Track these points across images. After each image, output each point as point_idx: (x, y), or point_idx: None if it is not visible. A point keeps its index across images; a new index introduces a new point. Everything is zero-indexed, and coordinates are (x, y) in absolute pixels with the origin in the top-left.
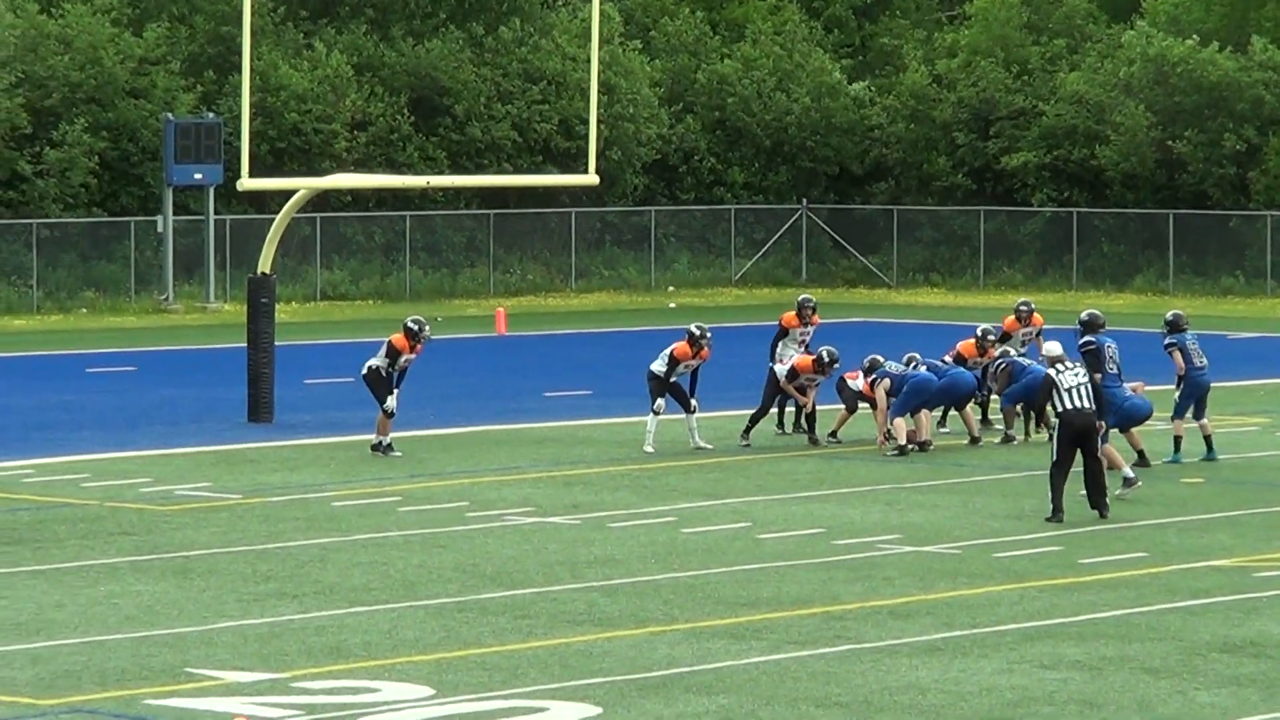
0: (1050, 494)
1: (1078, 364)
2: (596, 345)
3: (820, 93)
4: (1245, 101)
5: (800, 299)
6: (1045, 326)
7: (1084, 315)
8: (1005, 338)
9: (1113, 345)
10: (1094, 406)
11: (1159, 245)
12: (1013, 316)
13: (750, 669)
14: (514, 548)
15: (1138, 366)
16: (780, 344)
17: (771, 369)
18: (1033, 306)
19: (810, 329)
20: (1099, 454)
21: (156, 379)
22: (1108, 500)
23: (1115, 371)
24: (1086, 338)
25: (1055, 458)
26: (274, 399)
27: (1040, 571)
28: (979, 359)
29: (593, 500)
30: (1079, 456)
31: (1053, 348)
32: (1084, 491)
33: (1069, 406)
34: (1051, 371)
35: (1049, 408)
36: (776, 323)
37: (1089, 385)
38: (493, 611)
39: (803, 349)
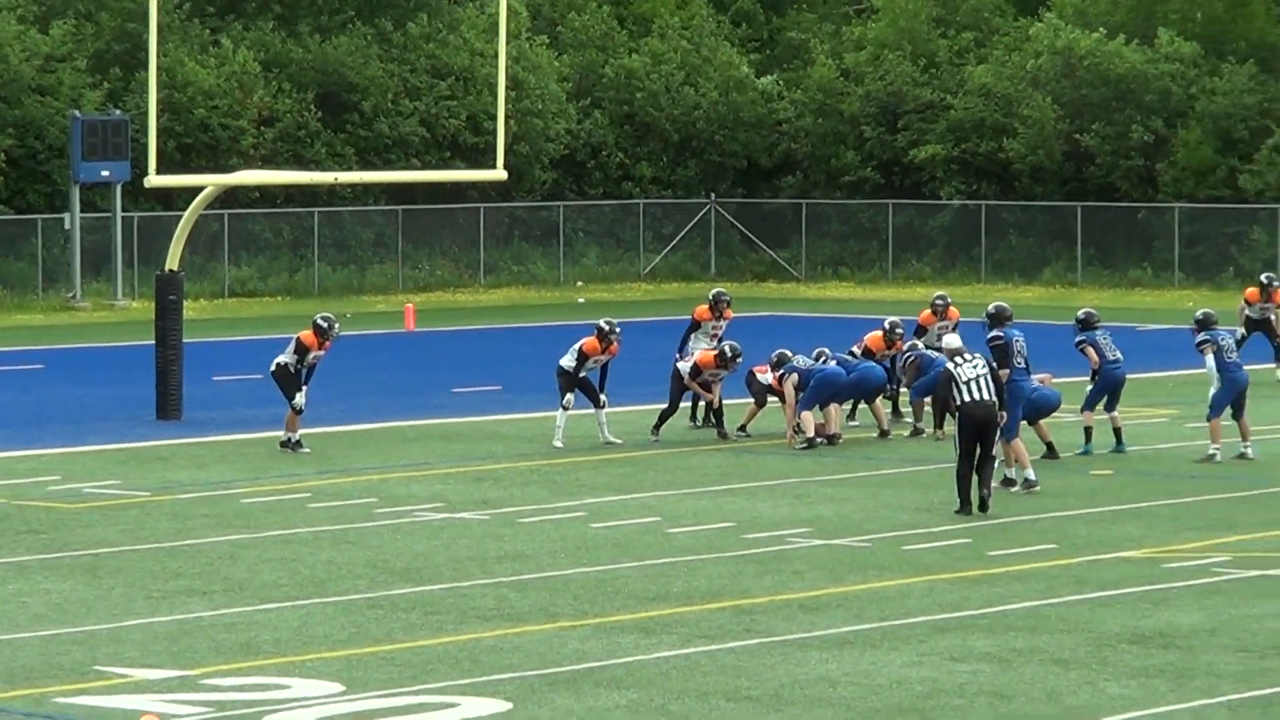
0: (957, 487)
1: (977, 356)
2: (505, 341)
3: (728, 87)
4: (1152, 93)
5: (714, 292)
6: (958, 320)
7: (991, 308)
8: (921, 331)
9: (1020, 338)
10: (995, 398)
11: (1067, 238)
12: (929, 310)
13: (660, 663)
14: (423, 544)
15: (1047, 359)
16: (692, 337)
17: (676, 366)
18: (949, 300)
19: (723, 323)
20: (993, 450)
21: (65, 377)
22: (989, 494)
23: (1023, 365)
24: (994, 332)
25: (958, 450)
26: (183, 396)
27: (950, 564)
28: (886, 351)
29: (502, 495)
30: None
31: (951, 340)
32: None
33: (968, 399)
34: (950, 365)
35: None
36: (688, 317)
37: (990, 376)
38: (402, 608)
39: (714, 342)
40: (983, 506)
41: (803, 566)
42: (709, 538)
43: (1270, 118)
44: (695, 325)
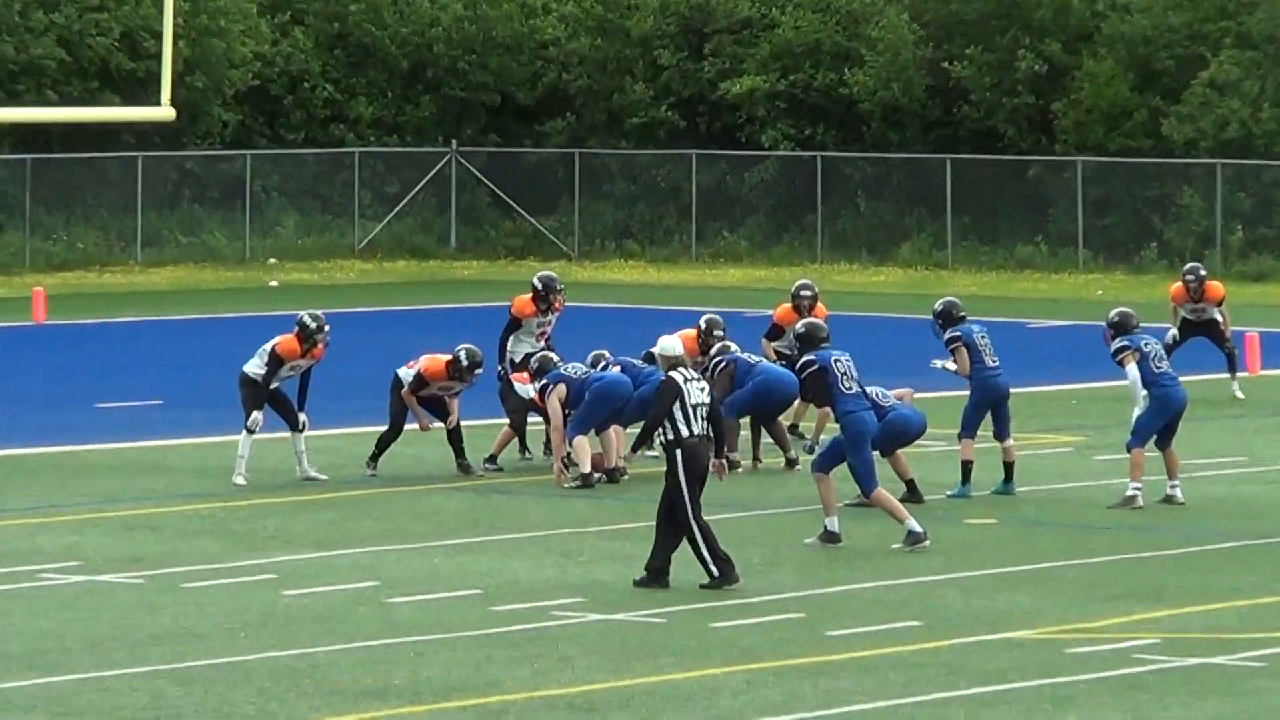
0: (700, 548)
1: (700, 377)
2: (170, 338)
3: None
4: (1046, 10)
5: (541, 276)
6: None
7: (800, 327)
8: (778, 333)
9: (844, 357)
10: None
11: (933, 202)
12: (789, 305)
13: None
14: (51, 618)
15: (907, 368)
16: (512, 339)
17: (397, 374)
18: (816, 292)
19: (553, 316)
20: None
21: None
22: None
23: (856, 390)
24: (806, 356)
25: (682, 498)
26: None
27: (775, 648)
28: (700, 359)
29: (162, 551)
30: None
31: (669, 345)
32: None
33: (694, 433)
34: (676, 376)
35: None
36: (421, 308)
37: (710, 406)
38: (21, 706)
39: (541, 343)
40: (725, 576)
41: (573, 651)
42: (445, 611)
43: (1203, 43)
44: (515, 324)
